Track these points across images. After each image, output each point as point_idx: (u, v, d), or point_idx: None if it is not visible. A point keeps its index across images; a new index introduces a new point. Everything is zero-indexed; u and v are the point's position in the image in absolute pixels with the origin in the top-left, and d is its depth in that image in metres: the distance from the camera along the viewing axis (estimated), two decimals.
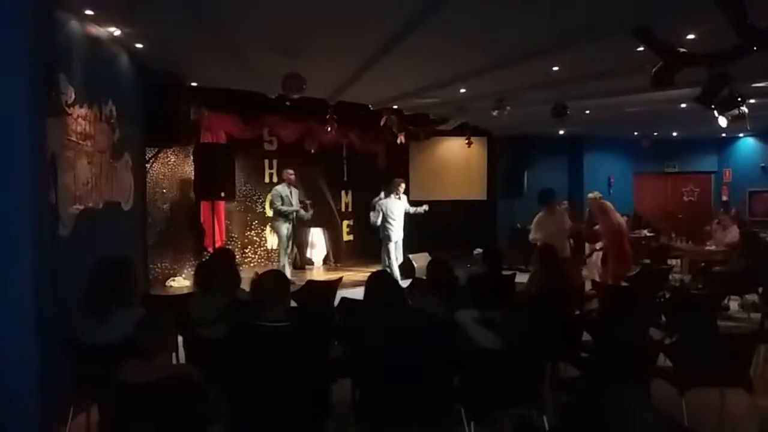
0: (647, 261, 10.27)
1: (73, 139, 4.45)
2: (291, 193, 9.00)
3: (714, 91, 5.21)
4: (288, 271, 9.01)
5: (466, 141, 11.53)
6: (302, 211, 9.01)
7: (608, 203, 8.09)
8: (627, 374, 3.66)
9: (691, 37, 5.28)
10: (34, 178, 3.53)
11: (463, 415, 3.43)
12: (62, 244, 4.11)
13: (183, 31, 5.48)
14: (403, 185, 9.30)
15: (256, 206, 9.96)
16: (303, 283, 6.01)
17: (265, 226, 10.02)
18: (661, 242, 10.99)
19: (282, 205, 8.84)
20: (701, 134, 13.24)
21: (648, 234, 11.45)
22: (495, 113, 8.55)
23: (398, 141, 10.55)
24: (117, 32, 5.37)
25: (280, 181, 9.19)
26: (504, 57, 6.30)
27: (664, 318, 5.51)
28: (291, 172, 9.13)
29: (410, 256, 10.01)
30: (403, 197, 9.27)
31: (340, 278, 6.27)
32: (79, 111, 4.57)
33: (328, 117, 9.02)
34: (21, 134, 3.45)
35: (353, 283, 7.94)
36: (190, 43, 5.91)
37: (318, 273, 10.52)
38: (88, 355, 3.41)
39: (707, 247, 9.58)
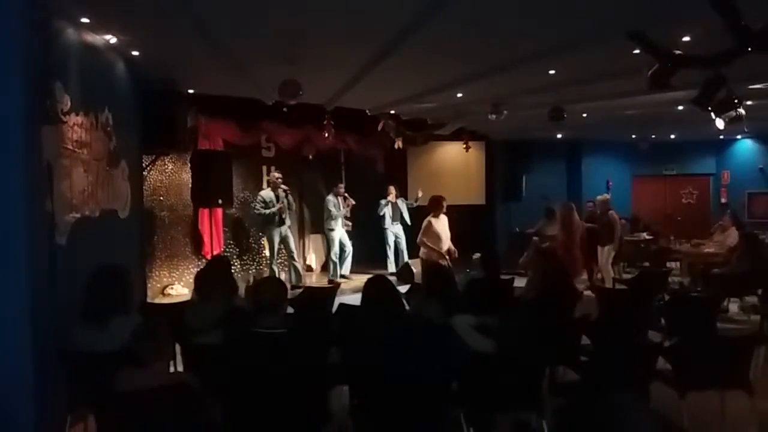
0: (646, 264, 10.30)
1: (69, 147, 4.44)
2: (278, 196, 8.98)
3: (710, 93, 5.21)
4: (294, 275, 9.08)
5: (464, 145, 11.55)
6: (284, 209, 8.99)
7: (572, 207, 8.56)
8: (626, 378, 3.65)
9: (686, 39, 5.28)
10: (29, 187, 3.53)
11: (462, 420, 3.42)
12: (58, 252, 4.09)
13: (179, 38, 5.48)
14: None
15: (254, 213, 9.94)
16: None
17: (264, 233, 10.00)
18: (661, 245, 10.98)
19: (264, 208, 8.89)
20: (699, 137, 13.25)
21: (647, 237, 11.45)
22: (492, 117, 8.55)
23: (396, 146, 10.56)
24: (113, 40, 5.37)
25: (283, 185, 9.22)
26: (500, 61, 6.31)
27: (663, 321, 5.50)
28: (277, 175, 9.16)
29: (409, 261, 10.02)
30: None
31: (338, 284, 6.27)
32: (75, 119, 4.56)
33: (325, 123, 9.02)
34: (16, 142, 3.46)
35: (351, 290, 7.93)
36: (186, 50, 5.91)
37: (317, 279, 10.51)
38: (85, 364, 3.39)
39: (706, 250, 9.56)
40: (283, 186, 9.09)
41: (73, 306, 3.61)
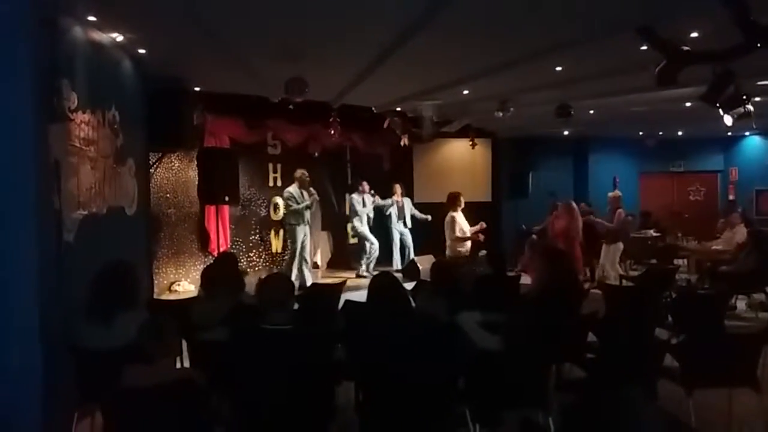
0: (653, 261, 10.25)
1: (77, 144, 4.46)
2: (303, 194, 8.95)
3: (719, 89, 5.18)
4: (308, 276, 9.07)
5: (470, 142, 11.53)
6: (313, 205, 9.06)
7: (574, 206, 8.63)
8: (633, 375, 3.64)
9: (694, 35, 5.25)
10: (37, 184, 3.55)
11: (468, 417, 3.42)
12: (66, 249, 4.11)
13: (186, 36, 5.49)
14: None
15: (261, 210, 9.96)
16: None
17: (270, 230, 10.01)
18: (668, 242, 10.94)
19: (296, 204, 8.89)
20: (707, 133, 13.16)
21: (654, 234, 11.40)
22: (499, 114, 8.53)
23: (402, 143, 10.54)
24: (120, 38, 5.39)
25: (289, 183, 9.14)
26: (507, 58, 6.29)
27: (670, 318, 5.48)
28: (305, 172, 9.02)
29: (415, 258, 10.03)
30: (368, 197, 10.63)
31: (345, 281, 6.27)
32: (82, 116, 4.58)
33: (331, 120, 9.02)
34: (24, 140, 3.48)
35: (358, 286, 7.93)
36: (193, 48, 5.92)
37: (323, 276, 10.52)
38: (92, 360, 3.41)
39: (714, 247, 9.51)
40: (311, 189, 9.01)
41: (81, 302, 3.64)
